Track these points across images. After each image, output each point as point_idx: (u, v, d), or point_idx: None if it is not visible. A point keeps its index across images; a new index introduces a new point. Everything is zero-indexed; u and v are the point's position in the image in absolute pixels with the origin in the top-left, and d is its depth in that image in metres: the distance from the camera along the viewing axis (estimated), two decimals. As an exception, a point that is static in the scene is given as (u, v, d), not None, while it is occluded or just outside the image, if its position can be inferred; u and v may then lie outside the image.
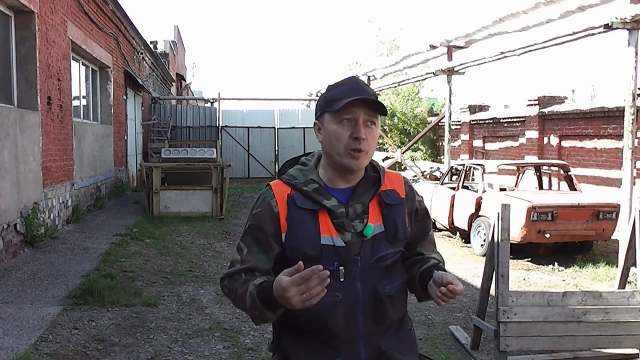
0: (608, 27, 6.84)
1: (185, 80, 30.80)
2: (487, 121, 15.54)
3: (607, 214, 7.45)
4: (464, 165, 9.43)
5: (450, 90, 12.32)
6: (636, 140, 6.93)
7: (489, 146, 15.68)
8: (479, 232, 8.17)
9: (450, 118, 12.55)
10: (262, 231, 1.60)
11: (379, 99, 1.59)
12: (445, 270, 1.63)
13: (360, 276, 1.55)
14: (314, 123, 1.67)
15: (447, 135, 12.51)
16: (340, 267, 1.53)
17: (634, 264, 4.17)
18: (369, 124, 1.56)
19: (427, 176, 14.62)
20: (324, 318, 1.54)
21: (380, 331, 1.61)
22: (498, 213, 3.82)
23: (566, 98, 13.35)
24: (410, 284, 1.69)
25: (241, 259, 1.61)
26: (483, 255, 7.36)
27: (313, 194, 1.59)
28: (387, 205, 1.63)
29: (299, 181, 1.62)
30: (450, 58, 12.08)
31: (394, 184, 1.69)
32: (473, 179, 10.11)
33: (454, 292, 1.47)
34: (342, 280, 1.54)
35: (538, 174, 9.17)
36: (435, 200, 9.57)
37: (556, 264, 7.40)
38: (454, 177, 10.36)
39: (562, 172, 8.81)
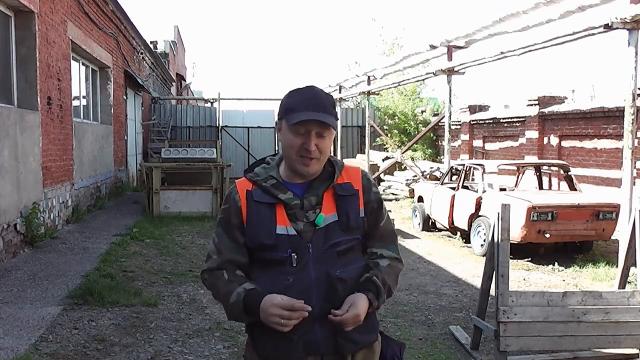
0: (608, 27, 6.83)
1: (185, 80, 30.81)
2: (487, 121, 15.52)
3: (607, 214, 7.45)
4: (464, 165, 9.43)
5: (450, 90, 12.29)
6: (636, 140, 6.92)
7: (489, 146, 15.66)
8: (479, 232, 8.17)
9: (450, 118, 12.53)
10: (229, 223, 1.79)
11: (333, 111, 1.72)
12: (375, 278, 1.74)
13: (313, 261, 1.71)
14: (275, 123, 1.84)
15: (447, 135, 12.48)
16: (293, 254, 1.70)
17: (634, 264, 4.16)
18: (321, 135, 1.71)
19: (427, 176, 14.62)
20: None
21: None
22: (498, 213, 3.82)
23: (566, 98, 13.32)
24: None
25: (216, 250, 1.80)
26: (483, 255, 7.36)
27: (271, 189, 1.76)
28: (341, 196, 1.78)
29: (259, 178, 1.80)
30: (450, 58, 12.06)
31: (351, 177, 1.84)
32: (473, 179, 10.10)
33: (335, 321, 1.65)
34: (294, 265, 1.70)
35: (538, 174, 9.17)
36: (435, 200, 9.57)
37: (556, 264, 7.40)
38: (454, 177, 10.36)
39: (562, 172, 8.81)
